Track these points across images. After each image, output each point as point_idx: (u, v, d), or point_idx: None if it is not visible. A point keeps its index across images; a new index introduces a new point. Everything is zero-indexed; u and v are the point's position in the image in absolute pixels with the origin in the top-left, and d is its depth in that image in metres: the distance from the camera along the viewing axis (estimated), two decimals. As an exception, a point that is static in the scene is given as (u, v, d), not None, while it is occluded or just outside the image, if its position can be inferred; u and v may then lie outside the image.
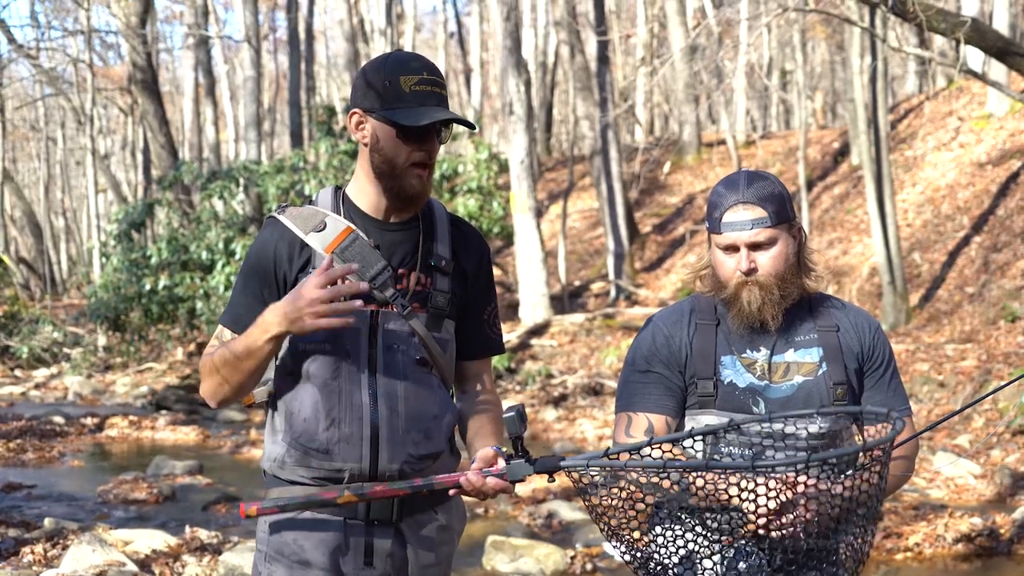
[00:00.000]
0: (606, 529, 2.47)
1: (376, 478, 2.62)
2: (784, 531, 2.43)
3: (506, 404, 2.82)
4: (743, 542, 2.49)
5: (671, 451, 2.47)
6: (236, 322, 2.67)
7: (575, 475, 2.40)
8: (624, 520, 2.45)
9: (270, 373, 2.77)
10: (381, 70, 2.62)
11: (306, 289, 2.47)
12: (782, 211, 2.69)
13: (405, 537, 2.68)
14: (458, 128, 2.71)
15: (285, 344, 2.68)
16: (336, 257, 2.62)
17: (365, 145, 2.66)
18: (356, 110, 2.66)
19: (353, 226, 2.66)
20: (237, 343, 2.58)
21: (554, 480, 2.52)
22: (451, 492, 2.55)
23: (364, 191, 2.70)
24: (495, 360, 15.66)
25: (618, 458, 2.36)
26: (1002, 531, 7.56)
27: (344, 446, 2.61)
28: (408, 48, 34.11)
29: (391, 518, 2.66)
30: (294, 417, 2.65)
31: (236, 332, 2.65)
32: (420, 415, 2.67)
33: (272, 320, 2.52)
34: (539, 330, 17.72)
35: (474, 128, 2.70)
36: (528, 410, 14.58)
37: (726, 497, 2.37)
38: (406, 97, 2.58)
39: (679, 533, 2.51)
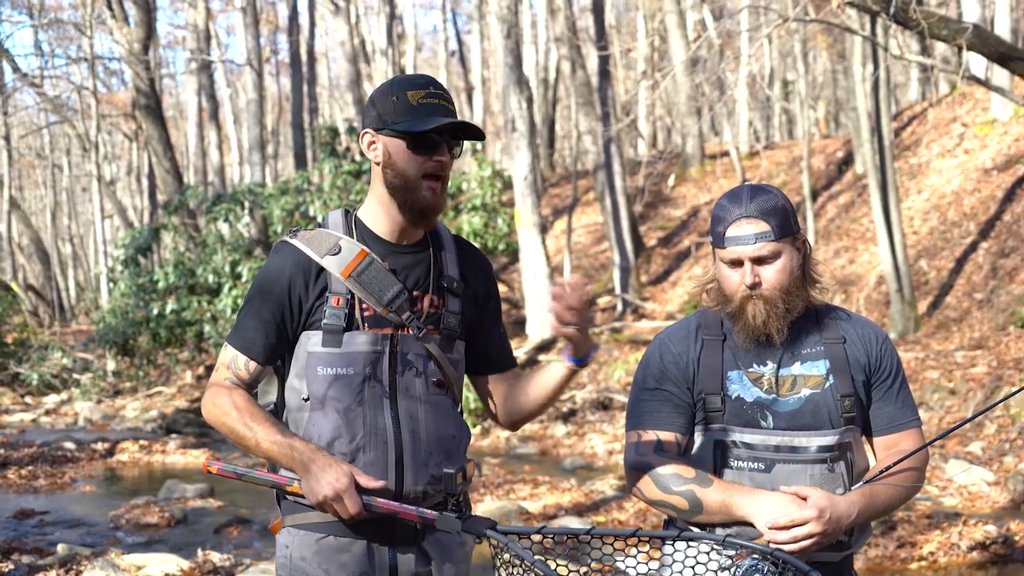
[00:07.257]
0: None
1: (401, 499, 2.62)
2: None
3: None
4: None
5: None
6: (248, 347, 2.67)
7: (499, 545, 2.45)
8: None
9: (271, 397, 2.77)
10: (388, 89, 2.66)
11: (351, 501, 2.52)
12: (785, 224, 2.69)
13: (428, 555, 2.70)
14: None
15: (295, 367, 2.67)
16: (353, 280, 2.63)
17: (378, 164, 2.68)
18: (367, 130, 2.69)
19: (368, 249, 2.67)
20: (265, 438, 2.59)
21: (479, 542, 2.58)
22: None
23: (376, 213, 2.71)
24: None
25: (551, 537, 2.43)
26: (1017, 538, 7.52)
27: (369, 471, 2.61)
28: (409, 67, 34.23)
29: (414, 538, 2.67)
30: (313, 443, 2.62)
31: (249, 357, 2.66)
32: (440, 436, 2.70)
33: (318, 472, 2.54)
34: (546, 346, 17.70)
35: (483, 137, 2.72)
36: (538, 426, 14.54)
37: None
38: (413, 110, 2.61)
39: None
